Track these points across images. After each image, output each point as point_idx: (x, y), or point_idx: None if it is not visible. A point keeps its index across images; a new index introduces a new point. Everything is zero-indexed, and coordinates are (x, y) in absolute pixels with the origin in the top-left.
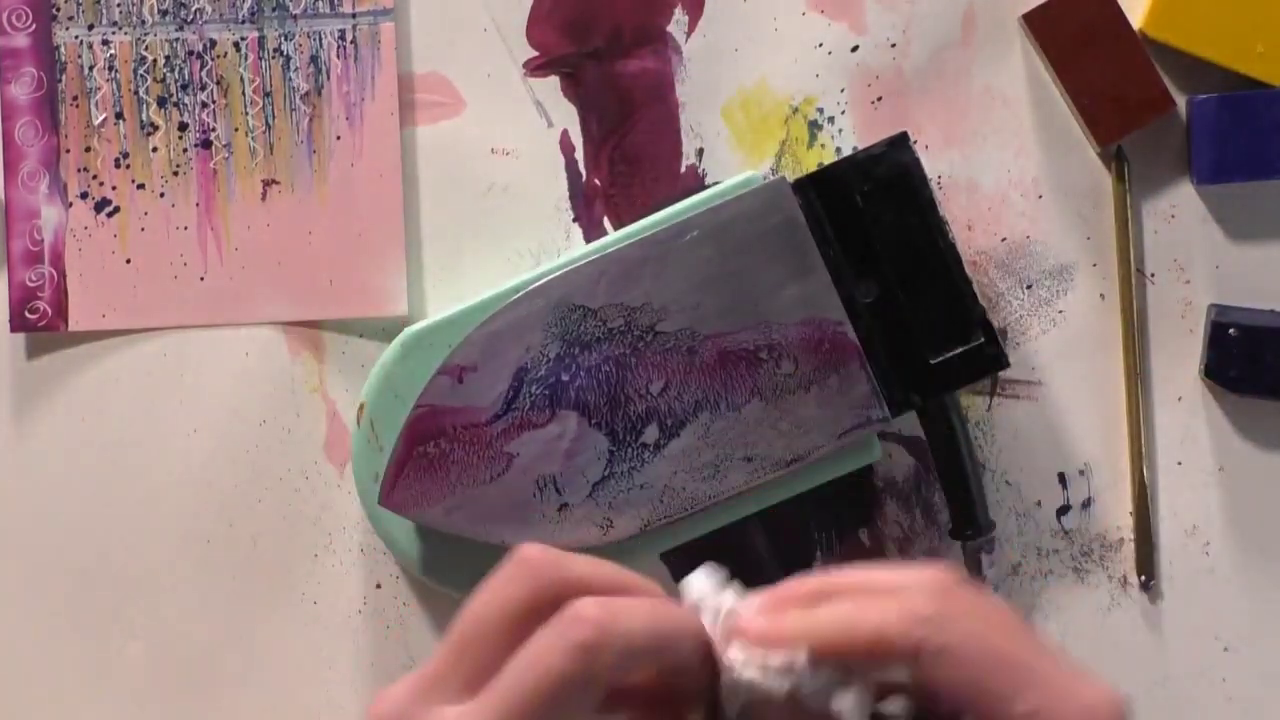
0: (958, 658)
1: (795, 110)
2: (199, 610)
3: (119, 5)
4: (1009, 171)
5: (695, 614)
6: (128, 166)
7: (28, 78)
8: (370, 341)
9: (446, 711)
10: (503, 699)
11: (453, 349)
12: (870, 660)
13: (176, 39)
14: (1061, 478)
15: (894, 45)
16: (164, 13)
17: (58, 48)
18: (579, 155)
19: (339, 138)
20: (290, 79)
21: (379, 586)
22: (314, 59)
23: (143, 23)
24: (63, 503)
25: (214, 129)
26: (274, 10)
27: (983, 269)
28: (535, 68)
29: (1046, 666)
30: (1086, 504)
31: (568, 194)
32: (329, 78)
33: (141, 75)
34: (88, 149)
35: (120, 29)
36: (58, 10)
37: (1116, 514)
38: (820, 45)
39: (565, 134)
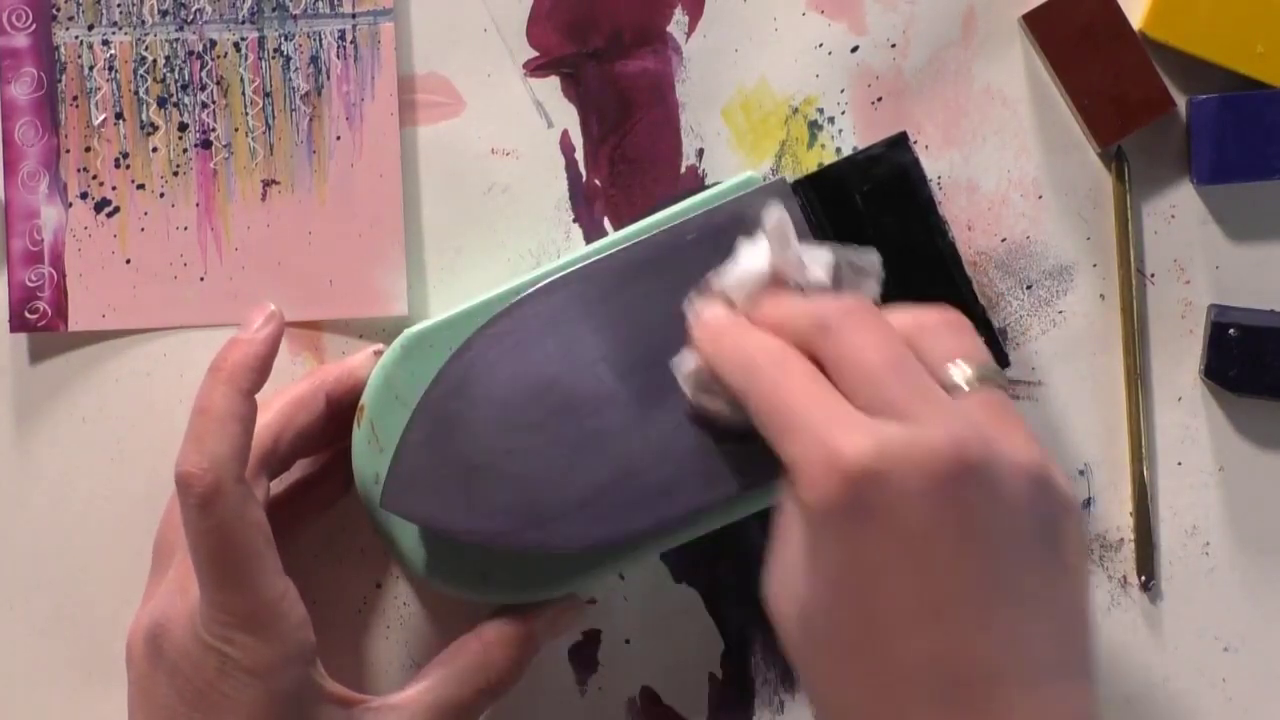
0: (744, 403)
1: (795, 110)
2: None
3: (119, 5)
4: (1009, 171)
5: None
6: (128, 167)
7: (28, 78)
8: (370, 342)
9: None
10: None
11: (453, 350)
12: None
13: (176, 39)
14: None
15: (894, 45)
16: (164, 13)
17: (58, 48)
18: (579, 155)
19: (339, 138)
20: (290, 79)
21: (379, 586)
22: (314, 59)
23: (143, 23)
24: (63, 503)
25: (214, 129)
26: (274, 10)
27: (983, 269)
28: (535, 68)
29: (813, 414)
30: (1086, 504)
31: (568, 194)
32: (329, 78)
33: (141, 75)
34: (88, 149)
35: (120, 29)
36: (58, 10)
37: (1116, 514)
38: (820, 45)
39: (565, 134)
